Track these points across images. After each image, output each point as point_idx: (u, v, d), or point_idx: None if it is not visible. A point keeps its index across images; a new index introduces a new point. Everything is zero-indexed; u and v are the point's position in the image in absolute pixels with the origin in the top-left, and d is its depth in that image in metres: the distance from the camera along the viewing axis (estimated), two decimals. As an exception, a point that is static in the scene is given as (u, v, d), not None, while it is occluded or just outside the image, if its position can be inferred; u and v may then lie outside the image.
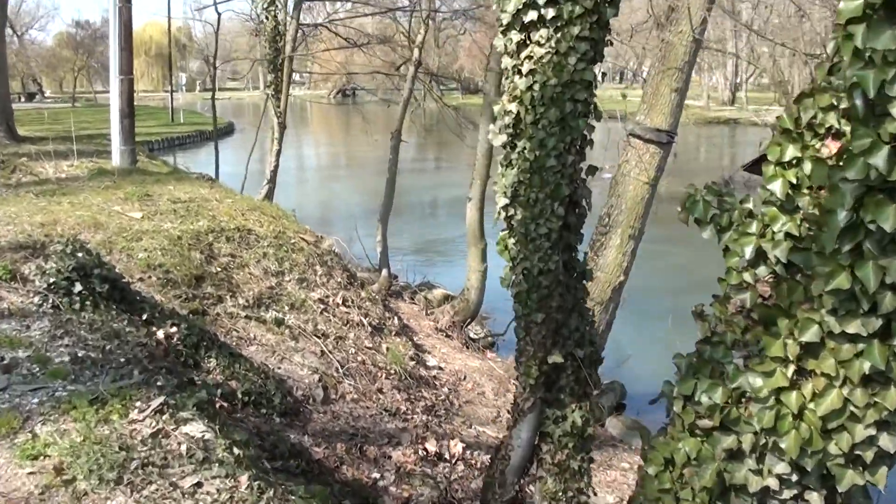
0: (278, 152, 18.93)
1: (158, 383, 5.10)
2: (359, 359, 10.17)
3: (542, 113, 5.60)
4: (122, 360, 5.67)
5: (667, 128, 11.76)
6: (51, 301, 6.89)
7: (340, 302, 11.29)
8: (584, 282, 6.20)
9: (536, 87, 5.59)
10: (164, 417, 4.52)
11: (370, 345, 10.78)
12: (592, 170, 6.01)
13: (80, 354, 5.66)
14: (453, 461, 8.68)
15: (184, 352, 7.50)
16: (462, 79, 72.70)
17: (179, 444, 4.28)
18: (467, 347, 14.32)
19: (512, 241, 6.01)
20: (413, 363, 11.07)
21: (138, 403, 4.72)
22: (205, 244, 10.47)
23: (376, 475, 7.62)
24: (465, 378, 11.98)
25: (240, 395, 7.61)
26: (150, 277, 9.24)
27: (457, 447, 8.90)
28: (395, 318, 12.93)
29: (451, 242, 25.01)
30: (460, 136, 23.78)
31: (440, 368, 11.94)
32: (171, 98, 55.78)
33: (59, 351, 5.78)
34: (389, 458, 8.12)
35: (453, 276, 18.48)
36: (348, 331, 10.72)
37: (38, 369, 5.40)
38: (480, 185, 14.68)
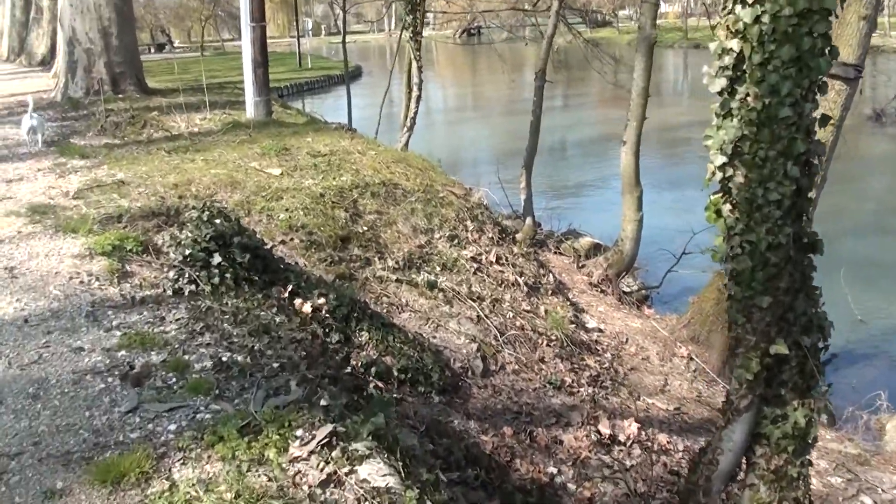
0: (418, 98, 17.99)
1: (323, 402, 4.17)
2: (517, 324, 9.30)
3: (772, 51, 4.50)
4: (276, 365, 4.82)
5: (854, 61, 10.37)
6: (187, 276, 6.17)
7: (494, 260, 10.41)
8: (814, 255, 5.13)
9: (766, 18, 4.48)
10: (333, 454, 3.56)
11: (527, 307, 9.88)
12: (825, 120, 4.90)
13: (224, 358, 4.84)
14: (629, 444, 7.74)
15: (334, 325, 6.76)
16: (590, 12, 70.61)
17: (358, 499, 3.38)
18: (622, 303, 13.28)
19: (728, 207, 4.97)
20: (573, 326, 10.12)
21: (300, 432, 3.80)
22: (349, 201, 9.72)
23: (552, 469, 6.73)
24: (626, 341, 10.97)
25: (395, 373, 6.86)
26: (291, 240, 8.54)
27: (631, 427, 7.95)
28: (550, 274, 11.97)
29: (591, 186, 23.97)
30: (601, 73, 22.72)
31: (600, 331, 10.95)
32: (298, 43, 55.81)
33: (200, 353, 4.96)
34: (561, 443, 7.24)
35: (597, 222, 17.43)
36: (504, 292, 9.85)
37: (174, 380, 4.58)
38: (636, 128, 13.45)
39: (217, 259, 6.36)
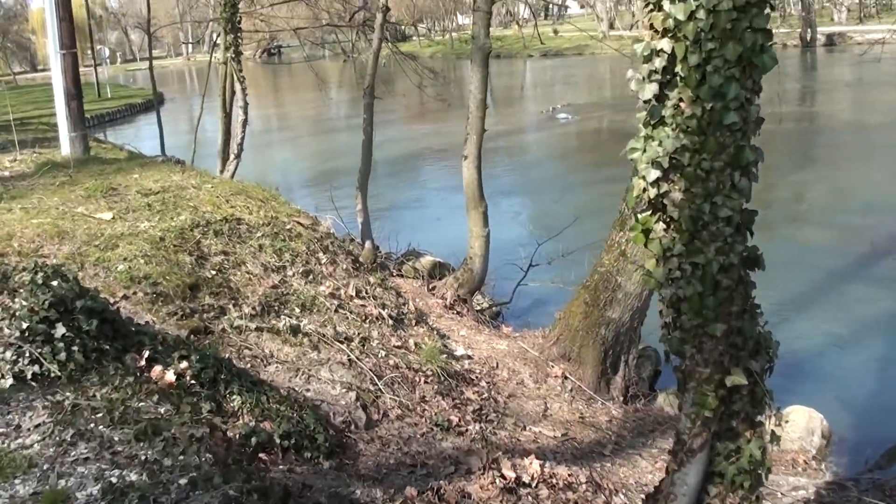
0: (244, 122, 16.88)
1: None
2: (391, 362, 8.58)
3: (712, 50, 3.98)
4: (183, 481, 3.76)
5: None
6: (27, 355, 5.16)
7: (354, 294, 9.65)
8: (754, 272, 4.63)
9: (701, 13, 3.96)
10: None
11: (397, 342, 9.17)
12: (760, 122, 4.41)
13: (113, 480, 3.71)
14: (535, 485, 7.12)
15: (202, 393, 5.86)
16: (388, 26, 71.06)
17: None
18: (480, 324, 12.73)
19: (661, 226, 4.40)
20: (444, 357, 9.48)
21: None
22: (192, 243, 8.76)
23: (473, 531, 6.05)
24: (497, 366, 10.40)
25: (278, 440, 6.02)
26: (135, 294, 7.53)
27: (533, 465, 7.32)
28: (410, 302, 11.29)
29: (418, 202, 23.58)
30: (421, 87, 22.40)
31: (469, 357, 10.35)
32: (96, 72, 53.85)
33: (79, 474, 3.79)
34: (469, 496, 6.55)
35: (434, 239, 16.99)
36: (370, 328, 9.11)
37: (58, 520, 3.46)
38: (476, 142, 12.92)
39: (61, 330, 5.37)
